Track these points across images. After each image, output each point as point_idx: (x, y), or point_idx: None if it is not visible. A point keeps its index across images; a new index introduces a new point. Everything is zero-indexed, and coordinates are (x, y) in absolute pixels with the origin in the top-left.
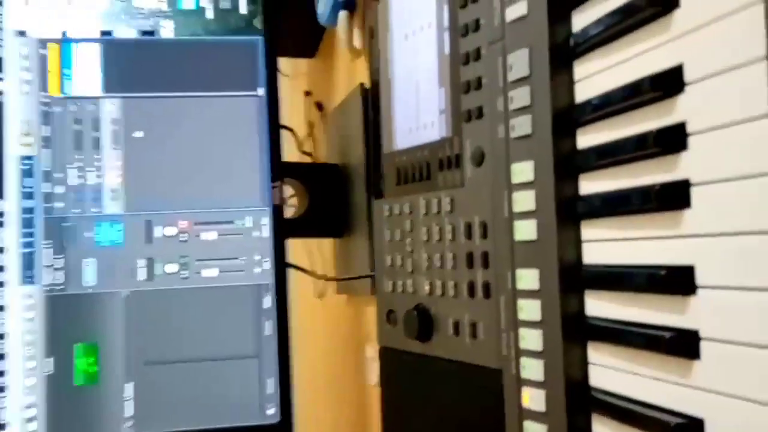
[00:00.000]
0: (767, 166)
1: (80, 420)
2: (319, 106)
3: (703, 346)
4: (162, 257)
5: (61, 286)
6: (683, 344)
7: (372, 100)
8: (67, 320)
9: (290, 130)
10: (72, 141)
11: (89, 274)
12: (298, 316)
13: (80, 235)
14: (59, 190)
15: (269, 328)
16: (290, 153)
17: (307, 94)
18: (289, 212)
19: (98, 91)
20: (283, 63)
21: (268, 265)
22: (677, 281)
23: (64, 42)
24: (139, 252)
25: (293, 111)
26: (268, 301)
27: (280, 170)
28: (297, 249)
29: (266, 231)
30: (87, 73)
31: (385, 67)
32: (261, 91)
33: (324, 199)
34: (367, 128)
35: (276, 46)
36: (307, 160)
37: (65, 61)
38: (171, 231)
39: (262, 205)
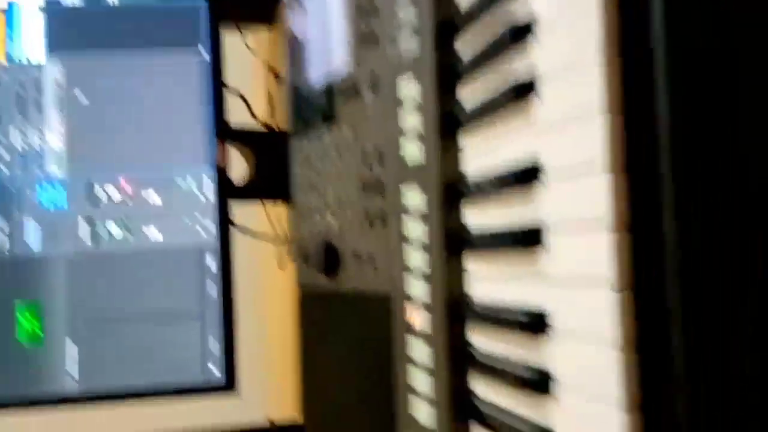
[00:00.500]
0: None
1: (24, 380)
2: (277, 76)
3: (547, 236)
4: (105, 219)
5: (5, 249)
6: (530, 237)
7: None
8: (11, 283)
9: (242, 97)
10: (15, 105)
11: (33, 237)
12: (259, 282)
13: (24, 198)
14: (3, 153)
15: (214, 289)
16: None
17: (267, 65)
18: (238, 177)
19: (42, 56)
20: (248, 37)
21: (212, 226)
22: (526, 176)
23: (9, 9)
24: (83, 214)
25: (257, 83)
26: (212, 263)
27: (223, 131)
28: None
29: (210, 192)
30: (31, 39)
31: (302, 13)
32: (205, 53)
33: (274, 163)
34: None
35: (219, 6)
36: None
37: (10, 28)
38: (114, 193)
39: (205, 167)
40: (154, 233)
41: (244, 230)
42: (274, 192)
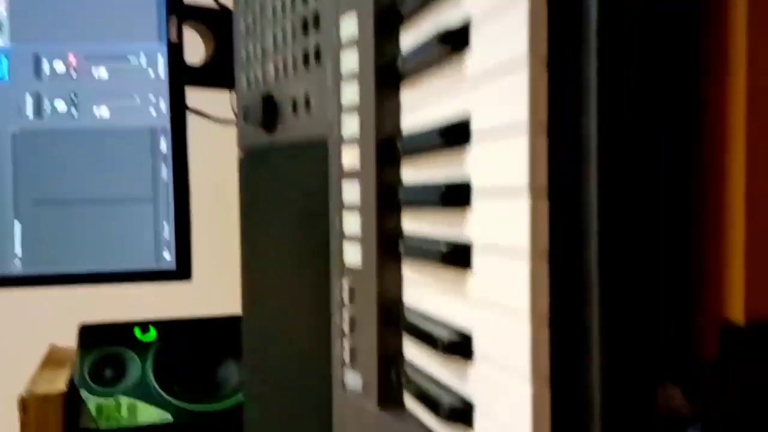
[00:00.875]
0: None
1: None
2: None
3: (470, 37)
4: (50, 94)
5: None
6: (453, 39)
7: None
8: None
9: None
10: None
11: None
12: (216, 167)
13: None
14: None
15: (166, 172)
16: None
17: None
18: (195, 59)
19: None
20: None
21: (164, 107)
22: None
23: None
24: (27, 87)
25: None
26: (165, 145)
27: (178, 6)
28: None
29: (162, 70)
30: None
31: None
32: None
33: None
34: None
35: None
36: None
37: None
38: (60, 66)
39: (158, 43)
40: (103, 112)
41: (199, 113)
42: (232, 78)
